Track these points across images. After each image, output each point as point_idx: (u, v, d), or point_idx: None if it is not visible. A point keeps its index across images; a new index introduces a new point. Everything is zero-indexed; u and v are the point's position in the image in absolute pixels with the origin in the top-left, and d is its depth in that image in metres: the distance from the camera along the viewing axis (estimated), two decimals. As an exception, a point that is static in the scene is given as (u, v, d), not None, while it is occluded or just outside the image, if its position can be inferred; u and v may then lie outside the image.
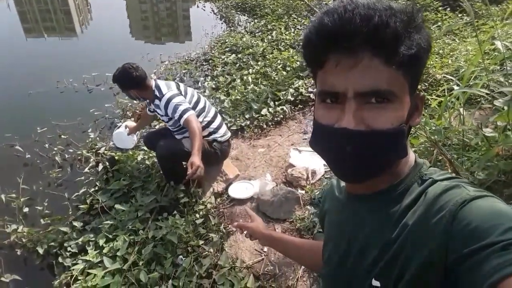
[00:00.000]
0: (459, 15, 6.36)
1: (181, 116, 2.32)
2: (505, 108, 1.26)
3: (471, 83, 2.24)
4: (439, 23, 6.05)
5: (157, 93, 2.42)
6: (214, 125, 2.57)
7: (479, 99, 3.10)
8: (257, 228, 1.10)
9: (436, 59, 4.34)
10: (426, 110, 2.28)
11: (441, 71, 3.92)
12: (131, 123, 3.13)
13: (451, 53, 4.53)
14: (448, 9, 6.50)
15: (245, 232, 1.15)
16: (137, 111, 3.73)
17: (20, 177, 2.77)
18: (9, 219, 2.41)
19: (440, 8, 6.52)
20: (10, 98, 4.20)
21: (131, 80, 2.36)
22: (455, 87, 2.08)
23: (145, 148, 2.88)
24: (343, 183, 0.74)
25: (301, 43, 0.61)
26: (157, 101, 2.42)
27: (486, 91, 1.51)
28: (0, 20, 8.91)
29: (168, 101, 2.36)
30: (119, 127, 3.15)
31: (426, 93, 3.61)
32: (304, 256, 1.00)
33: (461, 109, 1.98)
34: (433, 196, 0.54)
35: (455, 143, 2.01)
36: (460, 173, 1.56)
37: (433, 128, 1.66)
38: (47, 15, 10.47)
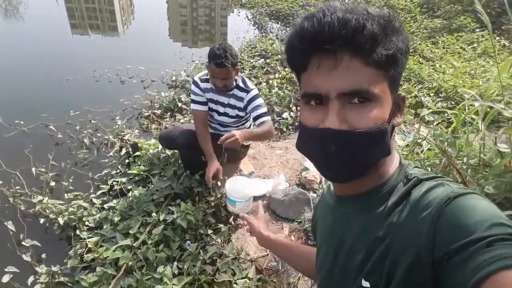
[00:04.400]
0: (497, 38, 6.22)
1: (261, 115, 2.33)
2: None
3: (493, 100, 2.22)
4: (475, 44, 5.95)
5: (242, 84, 2.40)
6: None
7: (506, 121, 3.04)
8: (257, 227, 1.12)
9: (467, 79, 4.28)
10: (448, 129, 2.26)
11: (470, 90, 3.85)
12: (214, 166, 2.29)
13: (483, 75, 4.44)
14: (486, 31, 6.35)
15: (246, 227, 1.19)
16: (164, 104, 3.88)
17: (51, 154, 2.96)
18: (36, 190, 2.57)
19: (478, 30, 6.40)
20: (49, 83, 4.49)
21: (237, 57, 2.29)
22: (476, 104, 2.06)
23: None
24: (332, 187, 0.76)
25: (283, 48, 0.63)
26: (240, 93, 2.39)
27: (502, 106, 1.51)
28: (48, 14, 9.39)
29: (256, 97, 2.36)
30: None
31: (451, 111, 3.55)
32: (296, 260, 1.02)
33: (480, 124, 1.96)
34: (418, 195, 0.55)
35: (475, 162, 1.98)
36: (468, 185, 1.56)
37: (446, 138, 1.67)
38: (93, 13, 11.00)
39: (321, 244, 0.78)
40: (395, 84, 0.59)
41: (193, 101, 2.45)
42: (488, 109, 1.84)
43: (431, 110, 2.01)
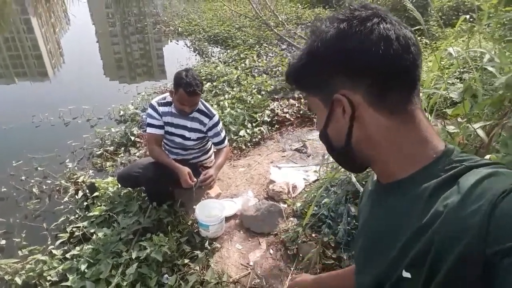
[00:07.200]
0: (419, 37, 6.83)
1: (222, 141, 2.51)
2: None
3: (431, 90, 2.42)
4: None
5: (204, 109, 2.42)
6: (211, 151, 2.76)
7: (445, 109, 3.32)
8: (304, 280, 1.15)
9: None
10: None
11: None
12: (184, 170, 2.30)
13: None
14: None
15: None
16: (116, 140, 3.73)
17: (-5, 211, 2.69)
18: (-16, 253, 2.32)
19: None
20: (-18, 136, 4.10)
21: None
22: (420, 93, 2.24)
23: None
24: (375, 176, 0.72)
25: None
26: (202, 116, 2.40)
27: (442, 91, 1.65)
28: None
29: (218, 123, 2.45)
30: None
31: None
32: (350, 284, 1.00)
33: (427, 114, 2.12)
34: (468, 185, 0.50)
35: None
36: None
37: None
38: (17, 60, 10.33)
39: (359, 235, 0.75)
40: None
41: (150, 125, 2.41)
42: (428, 100, 2.01)
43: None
